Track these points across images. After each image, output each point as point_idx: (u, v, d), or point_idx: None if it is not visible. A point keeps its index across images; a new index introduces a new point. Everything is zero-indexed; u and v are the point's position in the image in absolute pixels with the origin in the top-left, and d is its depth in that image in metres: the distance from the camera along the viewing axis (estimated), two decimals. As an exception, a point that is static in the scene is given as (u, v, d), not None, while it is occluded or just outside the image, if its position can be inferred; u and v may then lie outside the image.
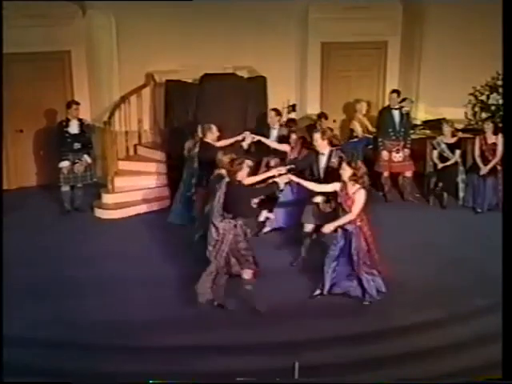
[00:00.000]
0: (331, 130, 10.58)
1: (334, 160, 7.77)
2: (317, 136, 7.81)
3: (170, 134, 10.08)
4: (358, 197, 6.83)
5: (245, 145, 8.68)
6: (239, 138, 8.65)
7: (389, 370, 6.03)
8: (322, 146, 7.82)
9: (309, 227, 7.90)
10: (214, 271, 6.83)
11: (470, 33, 10.90)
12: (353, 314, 6.76)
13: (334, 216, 7.19)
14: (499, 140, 9.36)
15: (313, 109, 11.04)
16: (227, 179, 6.87)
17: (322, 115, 10.47)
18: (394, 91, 10.21)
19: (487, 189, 9.49)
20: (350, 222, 6.89)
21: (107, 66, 10.81)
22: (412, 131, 10.47)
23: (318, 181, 7.59)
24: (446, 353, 6.24)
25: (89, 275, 7.59)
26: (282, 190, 8.27)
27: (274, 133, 9.41)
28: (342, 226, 6.94)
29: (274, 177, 7.27)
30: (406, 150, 10.01)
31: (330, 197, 7.47)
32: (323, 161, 7.82)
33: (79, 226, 9.21)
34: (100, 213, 9.70)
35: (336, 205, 7.29)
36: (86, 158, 9.65)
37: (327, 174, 7.73)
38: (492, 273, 7.17)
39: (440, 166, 9.84)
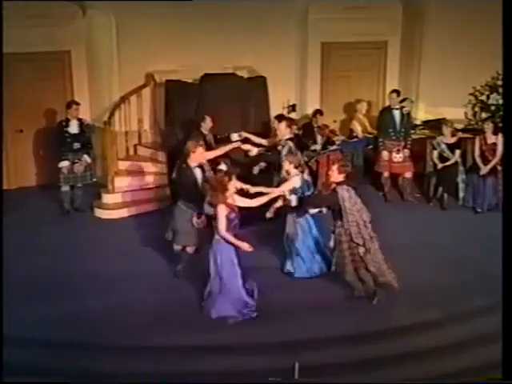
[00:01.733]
0: (327, 126, 10.65)
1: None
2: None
3: (170, 134, 10.07)
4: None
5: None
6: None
7: (389, 370, 6.04)
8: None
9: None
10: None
11: (469, 33, 10.91)
12: (353, 314, 6.76)
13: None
14: (499, 140, 9.36)
15: (313, 109, 11.02)
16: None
17: (317, 112, 10.50)
18: (393, 91, 10.21)
19: (487, 189, 9.49)
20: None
21: (107, 66, 10.81)
22: (412, 131, 10.46)
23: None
24: (445, 353, 6.24)
25: (89, 275, 7.60)
26: None
27: None
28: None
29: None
30: (406, 150, 10.00)
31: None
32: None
33: (79, 226, 9.21)
34: (100, 213, 9.70)
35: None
36: (86, 158, 9.66)
37: None
38: (492, 273, 7.17)
39: (440, 166, 9.84)
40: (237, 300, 6.77)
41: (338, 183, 6.99)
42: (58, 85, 10.66)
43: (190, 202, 7.42)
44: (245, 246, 6.67)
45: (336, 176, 7.02)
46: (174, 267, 7.72)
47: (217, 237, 6.66)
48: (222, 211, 6.58)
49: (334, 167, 7.12)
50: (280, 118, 8.63)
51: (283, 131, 8.40)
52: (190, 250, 7.65)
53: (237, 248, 6.67)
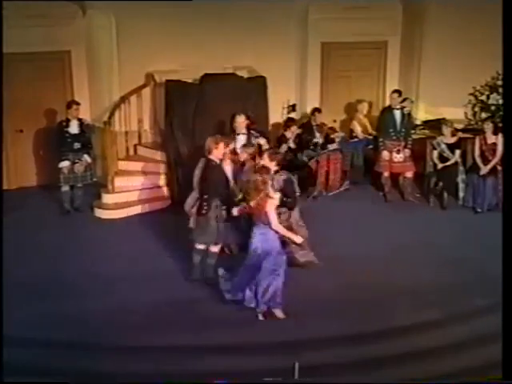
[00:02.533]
0: (325, 124, 10.67)
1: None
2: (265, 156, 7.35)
3: (170, 134, 10.07)
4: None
5: None
6: None
7: (389, 370, 6.03)
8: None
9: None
10: None
11: (469, 33, 10.91)
12: (353, 314, 6.76)
13: None
14: (499, 140, 9.35)
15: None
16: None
17: (315, 110, 10.49)
18: (395, 91, 10.20)
19: (487, 189, 9.48)
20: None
21: (107, 66, 10.80)
22: (413, 131, 10.47)
23: None
24: (445, 353, 6.23)
25: (89, 275, 7.60)
26: None
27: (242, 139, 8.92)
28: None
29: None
30: (406, 150, 10.00)
31: None
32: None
33: (79, 226, 9.21)
34: (100, 213, 9.69)
35: None
36: (86, 158, 9.66)
37: None
38: (492, 273, 7.17)
39: (440, 166, 9.84)
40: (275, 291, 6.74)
41: (276, 171, 7.09)
42: (58, 85, 10.65)
43: (220, 198, 7.28)
44: (297, 239, 6.87)
45: (268, 164, 7.07)
46: (173, 267, 7.73)
47: (261, 229, 6.67)
48: (272, 205, 6.61)
49: (265, 155, 7.24)
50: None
51: (242, 124, 8.82)
52: (214, 248, 7.50)
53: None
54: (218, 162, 7.37)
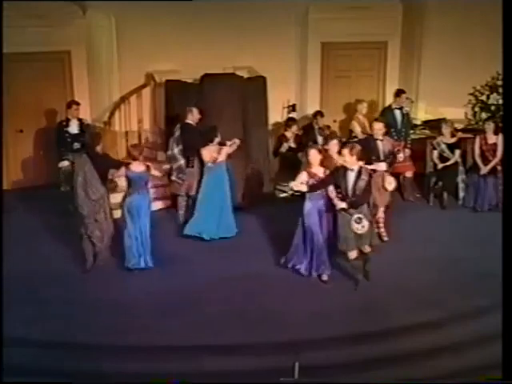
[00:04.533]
0: (328, 127, 10.65)
1: (365, 177, 7.24)
2: (345, 151, 7.24)
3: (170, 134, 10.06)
4: None
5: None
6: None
7: (389, 370, 6.04)
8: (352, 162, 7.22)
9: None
10: None
11: (470, 33, 10.92)
12: (353, 314, 6.76)
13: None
14: (500, 140, 9.35)
15: (313, 109, 11.02)
16: None
17: (317, 113, 10.47)
18: (401, 92, 10.14)
19: (487, 189, 9.48)
20: None
21: (107, 66, 10.82)
22: (412, 131, 10.46)
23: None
24: (445, 353, 6.24)
25: (89, 275, 7.61)
26: None
27: None
28: None
29: None
30: (406, 150, 10.00)
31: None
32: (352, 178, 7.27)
33: (79, 226, 9.18)
34: (100, 213, 9.67)
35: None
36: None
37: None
38: (492, 273, 7.17)
39: (440, 166, 9.84)
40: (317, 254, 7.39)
41: None
42: (58, 85, 10.66)
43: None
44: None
45: None
46: (173, 266, 7.72)
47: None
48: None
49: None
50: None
51: None
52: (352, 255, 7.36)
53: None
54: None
